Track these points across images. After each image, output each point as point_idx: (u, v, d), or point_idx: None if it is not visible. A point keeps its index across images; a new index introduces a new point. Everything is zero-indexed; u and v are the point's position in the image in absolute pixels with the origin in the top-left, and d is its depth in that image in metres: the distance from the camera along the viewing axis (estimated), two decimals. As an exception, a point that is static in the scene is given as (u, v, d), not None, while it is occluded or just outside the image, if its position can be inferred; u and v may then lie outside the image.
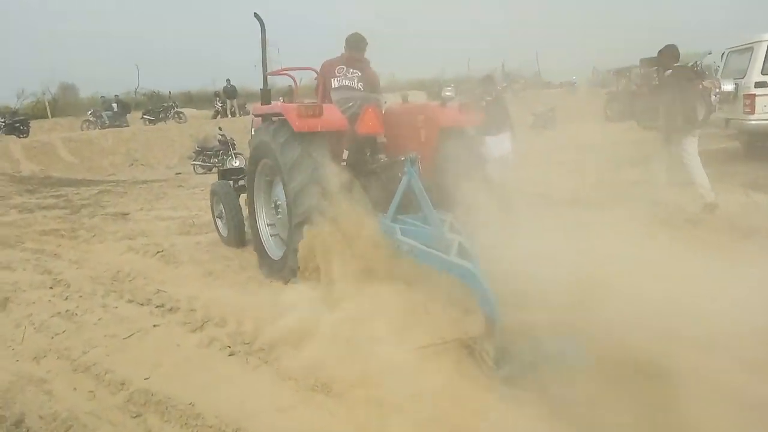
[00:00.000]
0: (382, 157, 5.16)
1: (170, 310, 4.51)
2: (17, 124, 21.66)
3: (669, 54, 7.36)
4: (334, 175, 4.37)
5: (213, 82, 31.12)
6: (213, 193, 6.75)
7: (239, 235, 6.34)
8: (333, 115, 4.60)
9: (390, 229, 4.16)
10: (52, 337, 4.12)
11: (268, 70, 5.77)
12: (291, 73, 5.81)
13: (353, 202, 4.29)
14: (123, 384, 3.23)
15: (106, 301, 4.90)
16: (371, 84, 5.40)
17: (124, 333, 4.03)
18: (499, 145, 8.84)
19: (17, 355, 3.88)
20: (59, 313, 4.63)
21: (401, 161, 4.41)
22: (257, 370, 3.33)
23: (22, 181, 16.39)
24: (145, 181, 16.29)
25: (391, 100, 6.15)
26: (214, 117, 26.29)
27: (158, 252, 6.40)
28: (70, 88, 32.64)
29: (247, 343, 3.65)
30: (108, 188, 14.46)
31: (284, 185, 4.61)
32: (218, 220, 6.78)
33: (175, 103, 26.31)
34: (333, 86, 5.28)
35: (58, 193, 13.77)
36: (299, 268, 4.40)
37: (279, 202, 4.99)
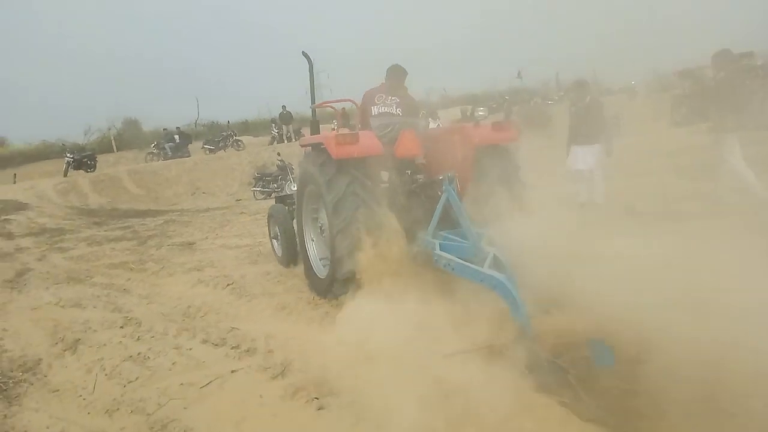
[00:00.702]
0: (421, 177, 5.38)
1: (247, 351, 4.12)
2: (85, 159, 22.32)
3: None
4: (370, 196, 4.65)
5: (269, 109, 31.49)
6: (270, 216, 7.14)
7: (292, 255, 6.58)
8: (369, 141, 4.79)
9: (430, 245, 4.47)
10: (125, 386, 3.80)
11: (316, 99, 6.26)
12: (333, 104, 6.23)
13: (391, 220, 4.55)
14: (205, 447, 2.84)
15: (179, 341, 4.58)
16: (409, 109, 5.61)
17: (201, 380, 3.66)
18: (583, 157, 8.22)
19: (89, 407, 3.57)
20: (131, 356, 4.32)
21: (439, 180, 4.60)
22: (354, 429, 2.86)
23: (90, 213, 16.75)
24: (207, 209, 16.38)
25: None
26: (271, 143, 26.55)
27: (228, 285, 6.09)
28: (133, 122, 33.75)
29: (336, 395, 3.19)
30: (173, 218, 14.55)
31: (324, 201, 4.84)
32: (274, 241, 7.13)
33: (233, 131, 26.72)
34: (373, 113, 5.54)
35: (125, 224, 13.92)
36: (342, 284, 4.72)
37: (323, 226, 5.25)
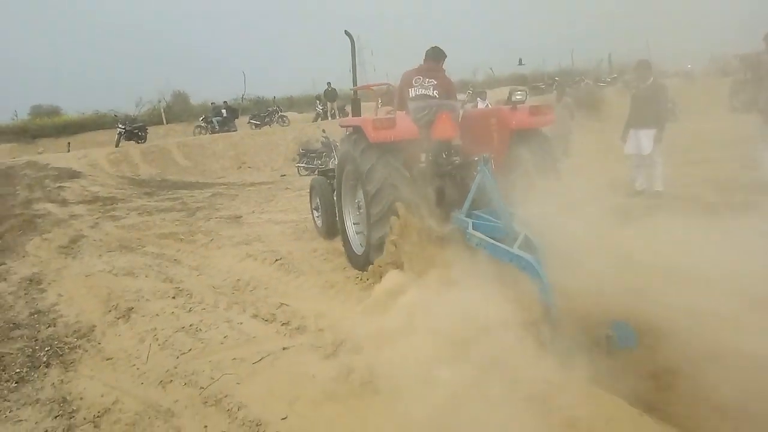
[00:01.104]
0: (457, 158, 5.39)
1: (297, 329, 4.09)
2: (136, 131, 22.74)
3: None
4: (406, 178, 4.80)
5: (314, 85, 31.44)
6: (312, 188, 7.38)
7: (331, 227, 6.75)
8: (405, 125, 4.91)
9: (463, 224, 4.53)
10: (178, 357, 3.82)
11: (359, 76, 6.40)
12: (373, 87, 6.52)
13: (427, 201, 4.72)
14: (259, 425, 2.80)
15: (230, 314, 4.58)
16: (446, 91, 5.62)
17: (252, 356, 3.65)
18: (636, 142, 7.88)
19: (143, 377, 3.60)
20: (183, 327, 4.35)
21: (475, 161, 4.69)
22: (410, 412, 2.78)
23: (141, 184, 17.11)
24: (253, 184, 16.51)
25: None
26: (315, 120, 26.52)
27: (277, 260, 6.09)
28: (181, 95, 34.19)
29: (392, 378, 3.11)
30: (220, 191, 14.71)
31: (363, 189, 5.02)
32: (314, 212, 7.42)
33: (279, 107, 26.79)
34: (410, 95, 5.55)
35: (174, 195, 14.16)
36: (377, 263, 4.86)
37: (361, 204, 5.33)
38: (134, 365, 3.82)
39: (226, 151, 22.12)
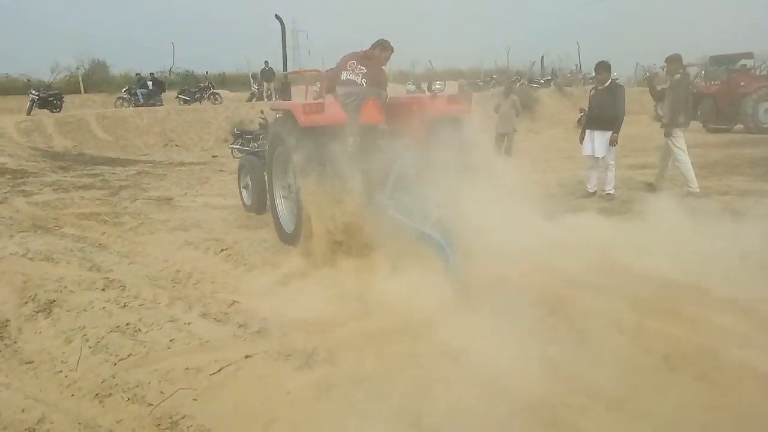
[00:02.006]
0: (383, 143, 5.53)
1: (258, 333, 3.59)
2: (51, 98, 20.86)
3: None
4: (334, 161, 4.96)
5: (248, 64, 30.09)
6: (241, 167, 7.67)
7: (261, 204, 7.08)
8: (333, 111, 5.23)
9: (384, 205, 4.87)
10: (115, 364, 3.24)
11: (295, 59, 7.21)
12: (303, 73, 6.81)
13: (352, 184, 4.89)
14: (232, 457, 2.32)
15: (174, 312, 4.01)
16: (376, 81, 5.73)
17: (209, 365, 3.11)
18: (591, 144, 7.82)
19: (73, 388, 3.01)
20: (119, 327, 3.74)
21: (397, 146, 5.09)
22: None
23: (55, 157, 15.67)
24: (182, 163, 15.53)
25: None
26: (250, 99, 25.43)
27: (222, 250, 5.50)
28: (101, 64, 31.89)
29: (382, 398, 2.70)
30: (145, 169, 13.69)
31: (293, 171, 5.29)
32: (243, 191, 7.63)
33: (211, 83, 25.46)
34: (342, 77, 5.73)
35: (94, 171, 13.01)
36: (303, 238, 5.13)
37: (291, 184, 5.62)
38: (61, 371, 3.20)
39: (152, 126, 20.71)
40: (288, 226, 5.80)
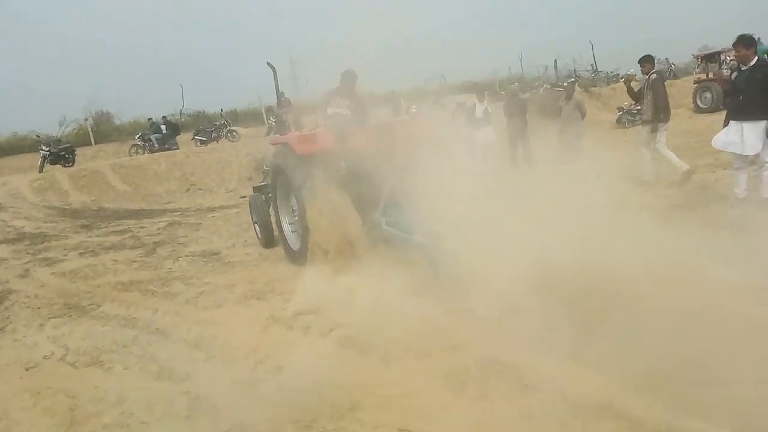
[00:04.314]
0: (372, 165, 5.66)
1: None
2: (62, 153, 19.77)
3: None
4: (329, 184, 5.50)
5: (259, 98, 28.95)
6: (250, 205, 8.10)
7: (269, 237, 7.50)
8: (325, 139, 5.90)
9: (378, 221, 5.44)
10: None
11: (293, 94, 7.60)
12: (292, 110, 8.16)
13: (347, 203, 5.45)
14: None
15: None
16: (359, 109, 6.38)
17: None
18: (738, 137, 6.32)
19: None
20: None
21: (386, 168, 5.42)
22: None
23: (74, 214, 14.46)
24: (212, 208, 14.26)
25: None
26: (268, 134, 24.24)
27: (331, 330, 4.02)
28: (104, 115, 30.92)
29: None
30: (175, 219, 12.37)
31: (295, 195, 5.93)
32: (256, 226, 7.91)
33: (227, 121, 24.28)
34: (328, 113, 6.35)
35: (120, 227, 11.70)
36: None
37: (295, 208, 6.18)
38: None
39: (171, 171, 19.53)
40: (295, 244, 6.35)
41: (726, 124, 6.55)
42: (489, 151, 11.85)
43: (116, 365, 3.94)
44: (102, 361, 4.05)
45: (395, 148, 5.76)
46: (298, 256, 6.06)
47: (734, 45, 6.43)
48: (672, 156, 8.31)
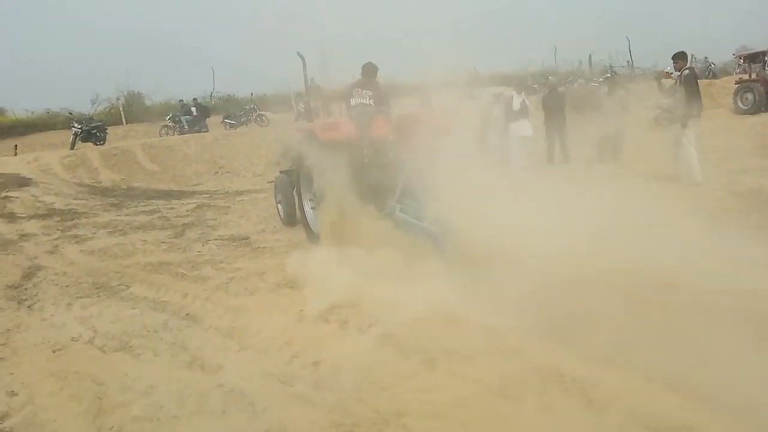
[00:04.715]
0: (392, 154, 6.05)
1: None
2: (94, 131, 19.81)
3: None
4: (350, 171, 5.78)
5: (288, 84, 28.77)
6: (275, 186, 8.52)
7: (291, 217, 7.91)
8: (347, 128, 6.03)
9: (393, 208, 5.63)
10: None
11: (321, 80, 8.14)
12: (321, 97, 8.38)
13: (365, 190, 5.73)
14: None
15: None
16: (381, 100, 6.63)
17: None
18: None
19: None
20: None
21: (405, 157, 5.67)
22: None
23: (104, 192, 14.48)
24: (240, 192, 14.20)
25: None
26: (297, 119, 24.10)
27: (371, 325, 3.81)
28: (136, 95, 30.98)
29: None
30: (204, 201, 12.30)
31: (317, 180, 6.14)
32: (279, 205, 8.36)
33: (257, 105, 24.18)
34: (351, 104, 6.61)
35: (149, 207, 11.65)
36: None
37: (317, 192, 6.24)
38: None
39: (200, 154, 19.51)
40: (315, 227, 6.57)
41: None
42: (525, 144, 11.57)
43: (146, 351, 3.78)
44: (131, 347, 3.89)
45: (414, 138, 5.89)
46: (316, 238, 6.32)
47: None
48: (694, 159, 8.33)
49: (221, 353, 3.67)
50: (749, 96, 19.54)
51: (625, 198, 4.65)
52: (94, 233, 8.91)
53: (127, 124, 26.80)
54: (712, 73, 29.91)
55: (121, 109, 27.06)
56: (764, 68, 20.03)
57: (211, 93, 30.01)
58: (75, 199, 12.75)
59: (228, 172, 18.70)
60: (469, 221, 4.35)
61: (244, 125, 23.02)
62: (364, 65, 6.77)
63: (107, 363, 3.65)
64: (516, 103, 11.59)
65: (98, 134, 20.06)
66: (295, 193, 7.47)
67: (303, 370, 3.31)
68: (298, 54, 7.30)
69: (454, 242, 4.41)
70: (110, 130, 22.94)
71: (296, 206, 7.52)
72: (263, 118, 23.24)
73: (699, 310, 3.07)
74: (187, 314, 4.57)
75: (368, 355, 3.39)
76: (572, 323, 3.04)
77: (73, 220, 10.14)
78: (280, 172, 8.66)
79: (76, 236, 8.66)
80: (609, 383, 2.60)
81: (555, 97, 11.98)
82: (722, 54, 32.91)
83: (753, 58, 21.19)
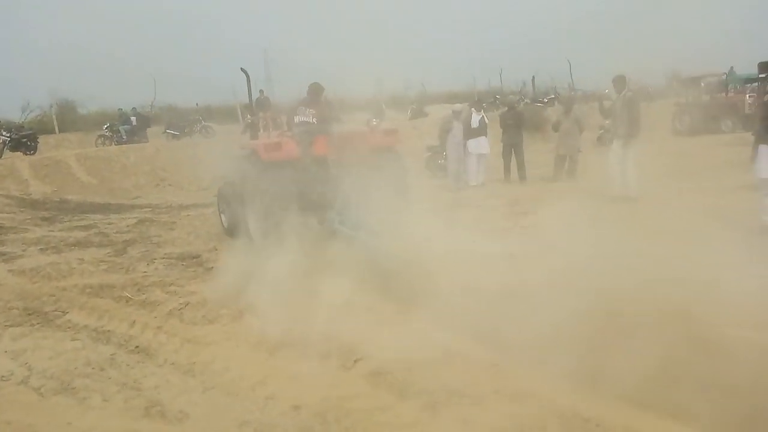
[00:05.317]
0: (332, 170, 6.45)
1: None
2: (24, 140, 18.66)
3: None
4: (290, 186, 6.30)
5: (234, 94, 28.02)
6: (220, 195, 8.50)
7: (234, 227, 7.70)
8: (289, 148, 6.58)
9: (333, 219, 6.07)
10: None
11: (269, 93, 8.37)
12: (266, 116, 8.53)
13: (307, 204, 6.24)
14: None
15: None
16: (324, 119, 6.87)
17: None
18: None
19: None
20: None
21: (344, 172, 6.12)
22: None
23: (34, 205, 13.45)
24: (184, 206, 13.44)
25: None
26: (245, 131, 23.38)
27: (356, 360, 3.39)
28: (68, 104, 29.40)
29: None
30: (146, 216, 11.53)
31: (260, 196, 6.50)
32: (222, 215, 8.39)
33: (202, 116, 23.33)
34: (295, 121, 6.94)
35: (84, 222, 10.81)
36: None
37: (260, 207, 6.51)
38: None
39: (140, 165, 18.58)
40: (257, 238, 6.60)
41: (755, 148, 6.22)
42: (482, 161, 11.51)
43: (93, 395, 3.24)
44: (75, 388, 3.33)
45: (353, 155, 6.35)
46: (257, 250, 6.35)
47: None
48: (633, 176, 8.54)
49: (183, 396, 3.18)
50: (686, 118, 20.50)
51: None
52: (24, 250, 8.13)
53: (60, 133, 25.38)
54: (649, 96, 31.20)
55: (53, 117, 25.58)
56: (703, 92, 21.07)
57: (152, 102, 28.87)
58: (2, 213, 11.75)
59: (171, 185, 17.88)
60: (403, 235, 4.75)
61: (188, 136, 22.14)
62: (310, 85, 7.08)
63: (46, 409, 3.08)
64: (474, 121, 11.51)
65: (29, 143, 18.96)
66: (239, 205, 7.51)
67: (282, 416, 2.87)
68: (242, 70, 7.64)
69: (387, 254, 4.72)
70: (42, 139, 21.61)
71: (240, 218, 7.50)
72: (209, 129, 22.44)
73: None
74: (137, 347, 4.03)
75: (357, 397, 2.99)
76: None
77: (0, 236, 9.24)
78: (225, 184, 8.43)
79: (3, 254, 7.86)
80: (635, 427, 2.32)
81: (513, 115, 12.00)
82: (657, 78, 34.41)
83: (691, 82, 22.22)
